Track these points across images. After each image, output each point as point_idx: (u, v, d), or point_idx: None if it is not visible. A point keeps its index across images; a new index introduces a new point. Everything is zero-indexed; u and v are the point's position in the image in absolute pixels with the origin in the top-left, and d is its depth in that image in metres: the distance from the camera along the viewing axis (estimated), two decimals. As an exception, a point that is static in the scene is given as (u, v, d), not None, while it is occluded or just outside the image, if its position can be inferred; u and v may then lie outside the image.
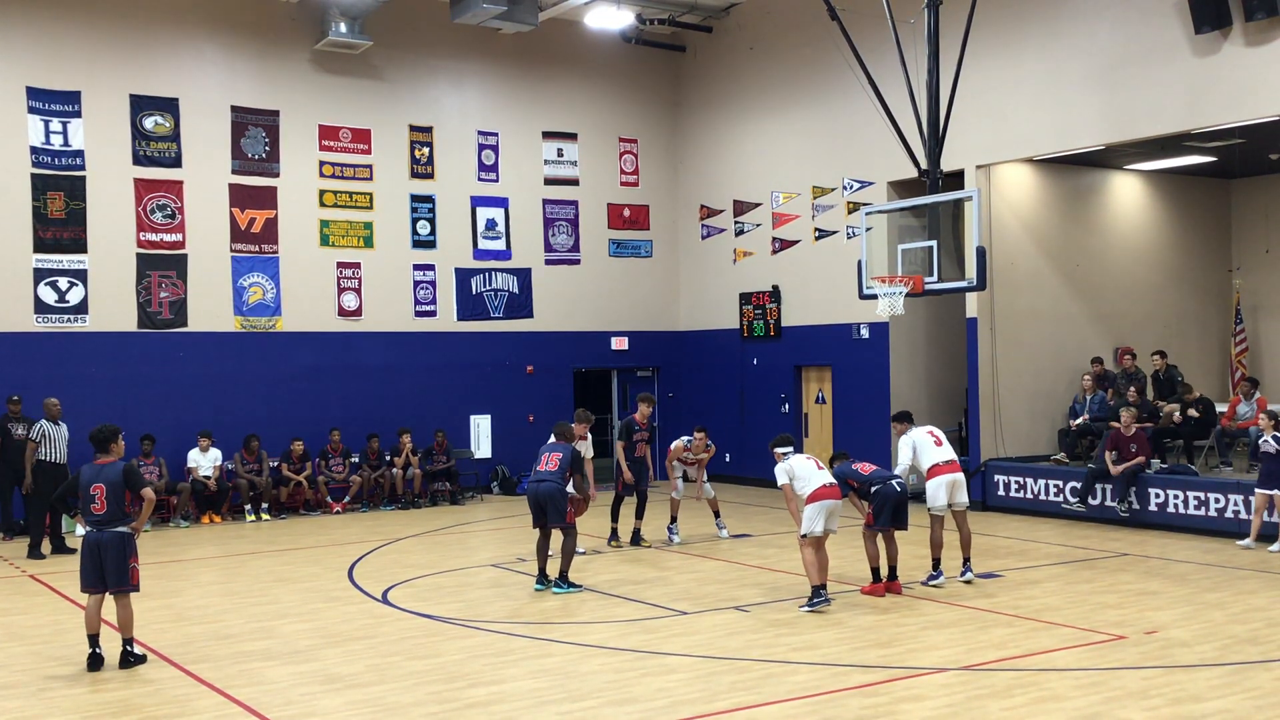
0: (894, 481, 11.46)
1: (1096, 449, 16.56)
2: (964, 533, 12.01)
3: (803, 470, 10.98)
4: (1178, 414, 16.17)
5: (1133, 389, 16.72)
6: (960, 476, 11.94)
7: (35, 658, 9.47)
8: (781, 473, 11.01)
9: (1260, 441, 13.71)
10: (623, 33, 21.73)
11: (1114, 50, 15.68)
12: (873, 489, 11.44)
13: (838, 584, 11.87)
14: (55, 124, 17.61)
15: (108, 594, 9.10)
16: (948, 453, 11.98)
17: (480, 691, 8.27)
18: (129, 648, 9.07)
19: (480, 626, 10.31)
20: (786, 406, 20.70)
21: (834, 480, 11.05)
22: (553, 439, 12.38)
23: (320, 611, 11.10)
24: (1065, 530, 15.45)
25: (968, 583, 11.83)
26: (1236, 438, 15.93)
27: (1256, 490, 13.70)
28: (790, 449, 11.29)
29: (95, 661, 8.97)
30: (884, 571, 11.56)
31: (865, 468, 11.66)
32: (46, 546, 14.73)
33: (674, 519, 15.14)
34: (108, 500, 9.04)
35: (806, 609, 10.67)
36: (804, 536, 10.80)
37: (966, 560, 12.01)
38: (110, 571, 9.03)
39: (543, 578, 11.99)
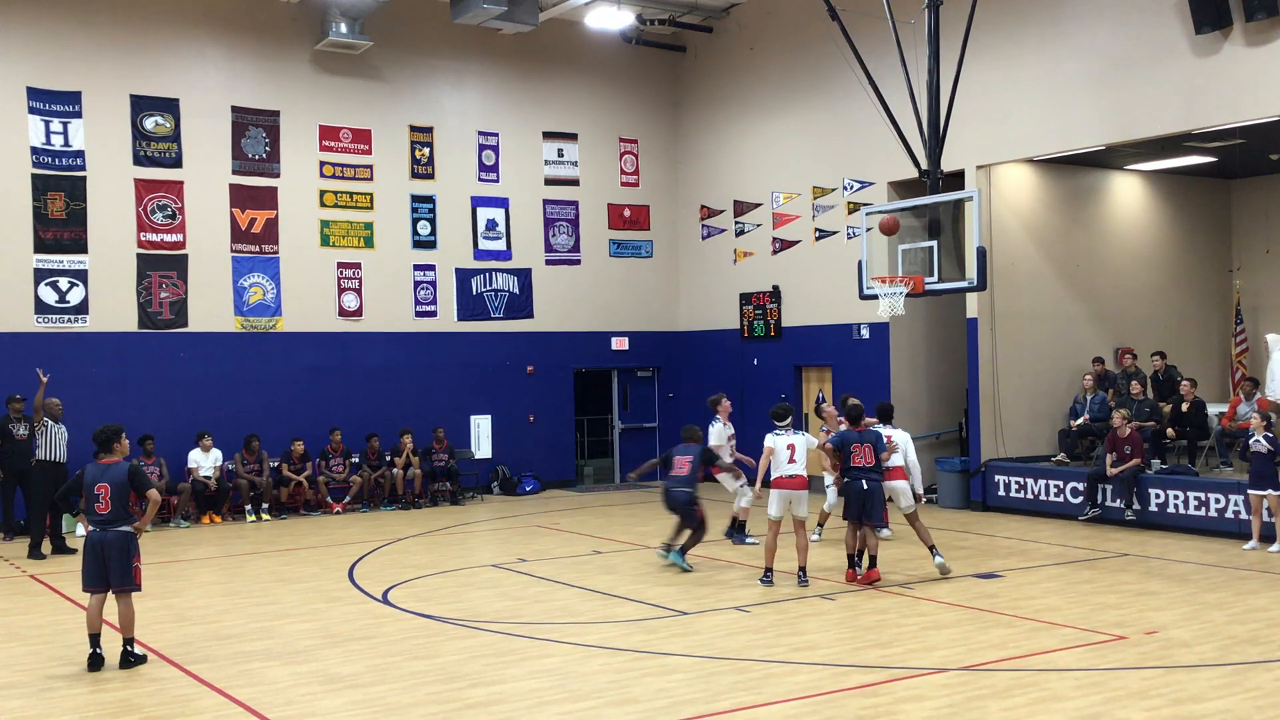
0: (864, 478, 11.77)
1: (1097, 450, 16.57)
2: (918, 530, 12.39)
3: (778, 455, 11.79)
4: (1171, 429, 16.17)
5: (1135, 383, 16.72)
6: (900, 484, 12.56)
7: (36, 658, 9.47)
8: (768, 440, 11.95)
9: (1250, 441, 13.72)
10: (623, 33, 21.73)
11: (1114, 50, 15.68)
12: (845, 480, 11.93)
13: (837, 584, 11.89)
14: (56, 124, 17.62)
15: (110, 593, 9.11)
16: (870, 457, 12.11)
17: (480, 692, 8.27)
18: (129, 648, 9.08)
19: (480, 627, 10.31)
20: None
21: (796, 472, 11.71)
22: (682, 442, 13.35)
23: (320, 612, 11.10)
24: (1065, 530, 15.45)
25: (943, 567, 12.15)
26: (1237, 438, 15.91)
27: (1248, 491, 13.72)
28: (786, 423, 12.02)
29: (96, 661, 8.97)
30: (866, 561, 12.01)
31: (858, 457, 11.84)
32: (47, 546, 14.74)
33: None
34: (112, 500, 9.04)
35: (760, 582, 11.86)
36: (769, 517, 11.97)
37: (931, 547, 12.27)
38: (114, 571, 9.03)
39: (667, 548, 13.10)
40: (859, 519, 11.91)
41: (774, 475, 11.81)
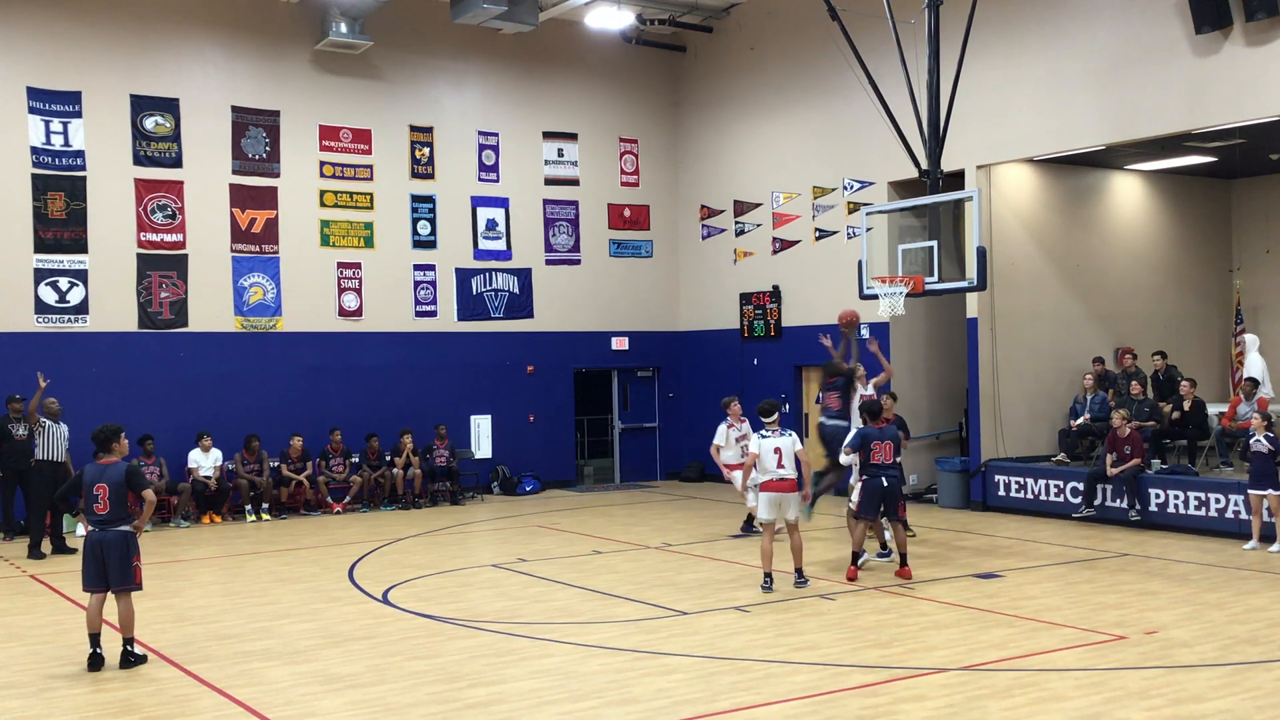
0: (883, 475, 11.88)
1: (1098, 450, 16.56)
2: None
3: (765, 458, 11.55)
4: (1175, 412, 16.20)
5: (1135, 383, 16.72)
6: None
7: (35, 658, 9.46)
8: (753, 444, 11.76)
9: (1251, 441, 13.72)
10: (623, 33, 21.73)
11: (1114, 50, 15.68)
12: (863, 476, 11.98)
13: (836, 584, 11.90)
14: (56, 124, 17.61)
15: (110, 593, 9.11)
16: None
17: (480, 692, 8.27)
18: (129, 647, 9.08)
19: (480, 627, 10.31)
20: (787, 406, 20.68)
21: (785, 475, 11.49)
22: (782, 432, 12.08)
23: (320, 612, 11.10)
24: (1065, 530, 15.44)
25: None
26: (1237, 438, 15.91)
27: (1248, 491, 13.72)
28: (773, 419, 11.77)
29: (96, 661, 8.98)
30: (896, 557, 12.18)
31: (878, 454, 11.93)
32: (47, 546, 14.74)
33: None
34: (110, 500, 9.05)
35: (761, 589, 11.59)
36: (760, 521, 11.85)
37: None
38: (113, 570, 9.04)
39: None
40: (875, 517, 11.97)
41: (762, 479, 11.59)
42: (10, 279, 17.24)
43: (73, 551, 14.41)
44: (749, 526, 15.08)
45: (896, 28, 15.09)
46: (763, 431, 11.75)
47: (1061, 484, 16.46)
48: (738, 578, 12.40)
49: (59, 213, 17.57)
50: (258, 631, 10.31)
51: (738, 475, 14.35)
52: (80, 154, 17.75)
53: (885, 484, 11.88)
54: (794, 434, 11.86)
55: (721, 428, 15.14)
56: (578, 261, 21.98)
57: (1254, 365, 16.78)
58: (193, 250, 18.53)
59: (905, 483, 13.48)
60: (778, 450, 11.55)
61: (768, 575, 11.65)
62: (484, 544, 15.69)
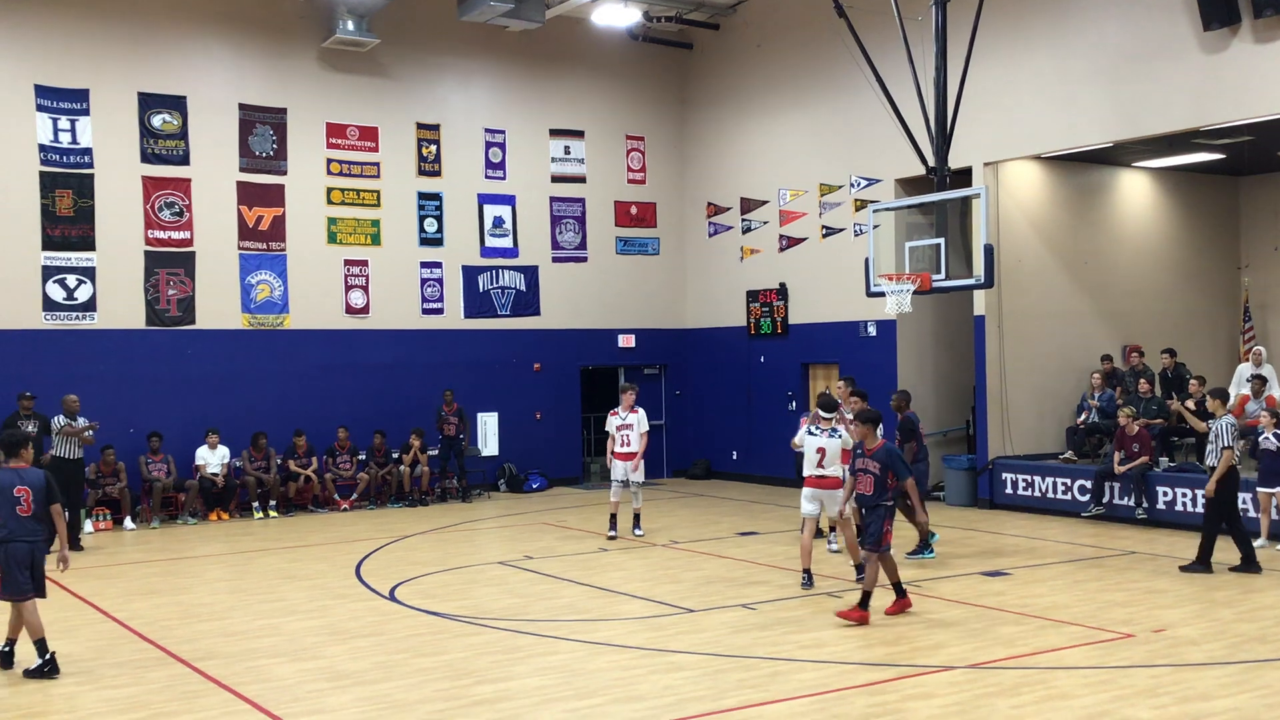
0: None
1: (1105, 447, 16.53)
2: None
3: (808, 455, 11.55)
4: (1183, 404, 16.14)
5: (1143, 380, 16.67)
6: None
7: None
8: (799, 436, 11.82)
9: (1260, 439, 13.66)
10: (630, 30, 21.72)
11: (1122, 47, 15.64)
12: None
13: (843, 583, 11.88)
14: (64, 121, 17.64)
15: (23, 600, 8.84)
16: None
17: (487, 689, 8.28)
18: (47, 654, 8.79)
19: (487, 624, 10.32)
20: (794, 404, 20.69)
21: (825, 474, 11.40)
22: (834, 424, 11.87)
23: (327, 609, 11.12)
24: (1073, 528, 15.42)
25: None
26: (1245, 436, 15.85)
27: (1257, 489, 13.67)
28: (830, 416, 11.69)
29: (5, 660, 8.88)
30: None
31: None
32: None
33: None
34: (35, 502, 8.80)
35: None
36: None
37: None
38: (38, 577, 8.83)
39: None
40: None
41: (805, 474, 11.58)
42: (18, 276, 17.27)
43: (81, 549, 14.49)
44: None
45: (904, 25, 15.07)
46: (811, 429, 11.67)
47: (1069, 482, 16.43)
48: (744, 575, 12.39)
49: (67, 210, 17.60)
50: (265, 628, 10.32)
51: (618, 464, 14.85)
52: (88, 151, 17.78)
53: None
54: (843, 434, 11.67)
55: (609, 417, 15.38)
56: (584, 259, 21.97)
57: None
58: (200, 247, 18.56)
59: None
60: (821, 450, 11.44)
61: (806, 572, 11.53)
62: (490, 541, 15.70)
